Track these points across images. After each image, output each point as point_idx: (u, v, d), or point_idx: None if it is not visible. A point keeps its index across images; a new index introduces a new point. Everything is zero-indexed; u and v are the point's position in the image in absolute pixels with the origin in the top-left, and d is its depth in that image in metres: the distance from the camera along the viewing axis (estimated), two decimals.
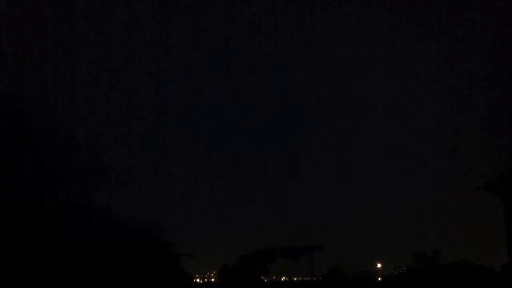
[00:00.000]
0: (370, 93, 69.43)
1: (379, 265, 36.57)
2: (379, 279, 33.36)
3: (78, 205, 18.35)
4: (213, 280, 41.10)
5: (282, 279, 38.44)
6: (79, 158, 18.95)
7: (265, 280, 32.89)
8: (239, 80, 71.48)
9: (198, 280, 40.45)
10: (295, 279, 38.00)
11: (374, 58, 68.83)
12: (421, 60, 61.59)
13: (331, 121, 71.17)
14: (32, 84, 18.51)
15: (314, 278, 30.72)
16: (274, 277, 36.03)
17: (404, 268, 32.23)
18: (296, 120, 73.09)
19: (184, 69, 68.85)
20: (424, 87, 66.13)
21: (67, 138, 18.55)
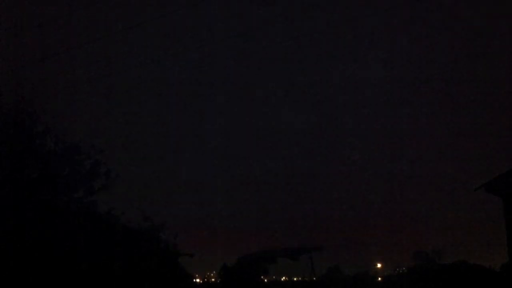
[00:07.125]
0: (370, 92, 69.57)
1: (379, 265, 36.63)
2: (379, 279, 33.38)
3: (80, 205, 18.37)
4: (213, 280, 41.04)
5: (282, 279, 38.44)
6: (81, 159, 18.95)
7: (265, 280, 32.84)
8: (239, 80, 71.60)
9: (198, 280, 40.39)
10: (295, 279, 37.97)
11: (374, 58, 68.93)
12: (421, 60, 61.71)
13: (330, 121, 71.32)
14: (34, 87, 18.54)
15: (314, 278, 30.73)
16: (274, 277, 36.05)
17: (404, 268, 32.28)
18: (295, 120, 73.21)
19: (184, 68, 68.99)
20: (423, 88, 66.31)
21: (68, 140, 18.60)
